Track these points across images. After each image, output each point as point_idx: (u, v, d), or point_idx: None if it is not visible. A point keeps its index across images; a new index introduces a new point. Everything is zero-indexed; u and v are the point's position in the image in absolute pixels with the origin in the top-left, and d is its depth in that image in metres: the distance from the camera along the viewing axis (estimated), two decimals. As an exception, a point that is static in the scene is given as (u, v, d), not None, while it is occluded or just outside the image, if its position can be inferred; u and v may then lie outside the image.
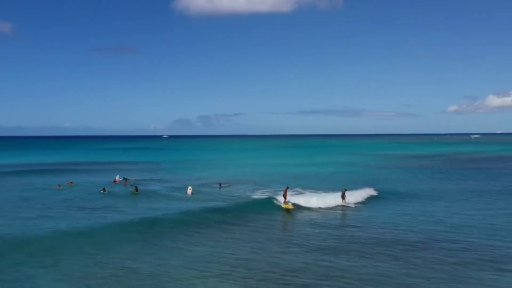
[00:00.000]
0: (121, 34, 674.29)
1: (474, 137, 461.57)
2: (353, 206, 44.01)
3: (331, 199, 45.64)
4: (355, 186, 55.09)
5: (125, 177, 67.51)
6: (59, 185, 58.99)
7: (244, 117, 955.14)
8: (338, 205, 44.33)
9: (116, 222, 35.34)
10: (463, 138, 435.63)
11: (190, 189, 54.23)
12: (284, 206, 41.91)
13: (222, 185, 60.51)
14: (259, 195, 51.57)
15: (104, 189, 54.49)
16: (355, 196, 47.61)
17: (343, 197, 45.01)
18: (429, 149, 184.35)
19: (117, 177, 67.19)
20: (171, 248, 28.12)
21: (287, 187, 45.13)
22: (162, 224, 34.96)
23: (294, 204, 42.90)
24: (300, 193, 50.39)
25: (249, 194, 52.72)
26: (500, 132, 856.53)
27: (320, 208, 43.17)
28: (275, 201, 43.94)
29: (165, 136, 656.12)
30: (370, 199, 48.65)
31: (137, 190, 53.81)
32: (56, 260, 25.36)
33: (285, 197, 42.63)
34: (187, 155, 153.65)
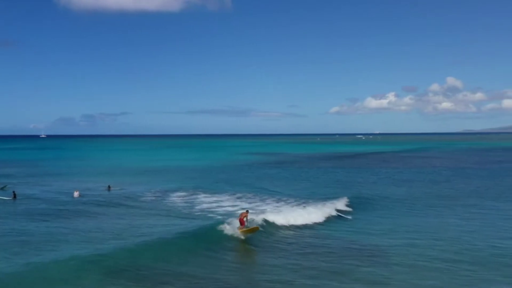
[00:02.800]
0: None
1: (364, 137, 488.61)
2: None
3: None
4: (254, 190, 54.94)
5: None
6: None
7: (131, 116, 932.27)
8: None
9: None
10: (350, 138, 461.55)
11: (76, 191, 50.62)
12: (239, 232, 31.42)
13: (111, 187, 57.24)
14: (150, 196, 50.00)
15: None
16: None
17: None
18: (337, 148, 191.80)
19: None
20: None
21: (247, 211, 33.60)
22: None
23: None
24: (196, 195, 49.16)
25: (140, 195, 50.75)
26: (378, 132, 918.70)
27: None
28: (222, 227, 32.08)
29: (42, 135, 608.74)
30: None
31: (15, 196, 48.69)
32: None
33: (242, 222, 32.10)
34: (68, 155, 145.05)
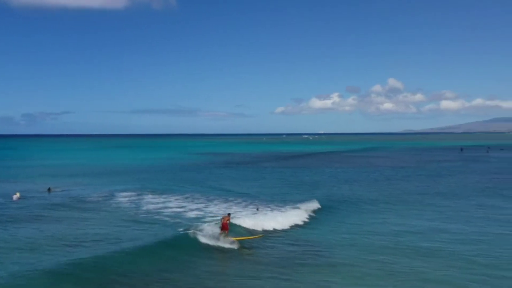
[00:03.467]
0: None
1: (311, 137, 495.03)
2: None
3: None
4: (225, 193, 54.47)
5: None
6: None
7: (73, 115, 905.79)
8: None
9: None
10: (297, 137, 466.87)
11: (16, 194, 48.68)
12: (227, 238, 29.38)
13: (51, 189, 55.39)
14: (96, 198, 48.76)
15: None
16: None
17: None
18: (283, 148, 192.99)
19: None
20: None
21: (229, 214, 31.67)
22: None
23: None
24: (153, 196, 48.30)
25: (85, 197, 49.36)
26: (322, 132, 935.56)
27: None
28: (197, 234, 29.73)
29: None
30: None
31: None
32: None
33: (225, 227, 30.14)
34: (6, 155, 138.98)
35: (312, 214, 39.42)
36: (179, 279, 22.56)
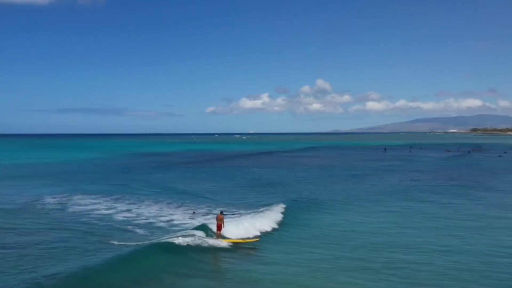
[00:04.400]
0: None
1: (246, 137, 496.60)
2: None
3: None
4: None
5: None
6: None
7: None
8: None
9: None
10: (228, 137, 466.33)
11: None
12: (220, 240, 28.66)
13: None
14: (21, 202, 46.55)
15: None
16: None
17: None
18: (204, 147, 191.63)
19: None
20: None
21: (222, 213, 30.78)
22: None
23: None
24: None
25: (7, 202, 47.06)
26: (252, 132, 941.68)
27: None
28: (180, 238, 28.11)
29: None
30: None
31: None
32: None
33: (220, 227, 29.47)
34: None
35: (281, 218, 37.11)
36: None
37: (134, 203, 45.23)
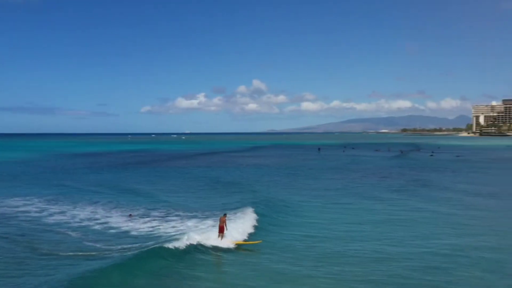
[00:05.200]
0: None
1: (185, 137, 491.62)
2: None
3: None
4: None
5: None
6: None
7: None
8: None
9: None
10: (167, 137, 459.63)
11: None
12: (222, 243, 28.26)
13: None
14: None
15: None
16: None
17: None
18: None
19: None
20: None
21: (225, 215, 30.08)
22: None
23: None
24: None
25: None
26: (188, 132, 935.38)
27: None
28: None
29: None
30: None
31: None
32: None
33: (222, 229, 28.72)
34: None
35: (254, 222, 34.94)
36: None
37: (68, 205, 43.79)
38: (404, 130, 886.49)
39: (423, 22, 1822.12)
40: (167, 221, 36.22)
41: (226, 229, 28.82)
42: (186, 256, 25.58)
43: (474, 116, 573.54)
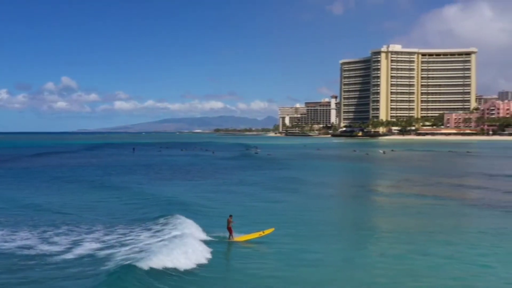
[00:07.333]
0: None
1: None
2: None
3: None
4: None
5: None
6: None
7: None
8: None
9: None
10: None
11: None
12: (238, 240, 28.28)
13: None
14: None
15: None
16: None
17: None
18: None
19: None
20: None
21: (231, 216, 29.05)
22: None
23: None
24: None
25: None
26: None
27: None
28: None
29: None
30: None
31: None
32: None
33: (231, 229, 28.55)
34: None
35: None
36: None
37: None
38: (217, 130, 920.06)
39: (234, 24, 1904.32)
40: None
41: (232, 231, 28.64)
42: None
43: (280, 117, 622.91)
